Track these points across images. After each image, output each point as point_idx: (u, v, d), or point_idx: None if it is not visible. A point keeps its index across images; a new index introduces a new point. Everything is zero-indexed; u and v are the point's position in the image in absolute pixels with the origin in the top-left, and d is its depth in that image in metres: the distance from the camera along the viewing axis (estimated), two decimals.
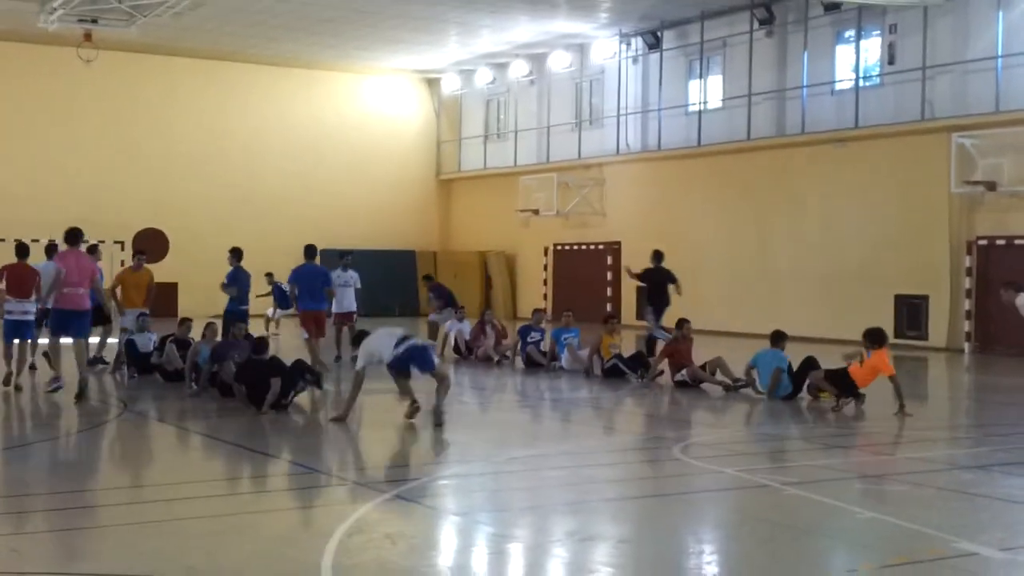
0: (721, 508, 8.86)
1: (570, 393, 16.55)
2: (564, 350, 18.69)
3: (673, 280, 19.75)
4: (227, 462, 10.88)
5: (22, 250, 15.66)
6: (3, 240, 28.35)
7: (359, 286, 20.26)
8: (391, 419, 14.06)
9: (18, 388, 15.03)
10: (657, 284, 19.78)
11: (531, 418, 14.75)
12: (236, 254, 18.43)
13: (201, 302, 28.94)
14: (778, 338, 15.70)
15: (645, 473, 10.39)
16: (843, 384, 14.01)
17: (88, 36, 28.44)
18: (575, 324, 19.55)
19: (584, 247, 33.55)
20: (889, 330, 24.87)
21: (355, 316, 19.94)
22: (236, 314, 17.57)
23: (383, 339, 12.68)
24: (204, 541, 7.41)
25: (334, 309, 19.30)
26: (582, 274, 33.20)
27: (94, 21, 27.83)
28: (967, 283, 24.15)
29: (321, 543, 7.19)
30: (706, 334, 28.14)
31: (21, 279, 15.26)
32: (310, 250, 18.34)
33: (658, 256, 19.97)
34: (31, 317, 15.35)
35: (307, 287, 17.66)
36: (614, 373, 17.46)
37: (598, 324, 18.83)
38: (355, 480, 9.33)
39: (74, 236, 14.58)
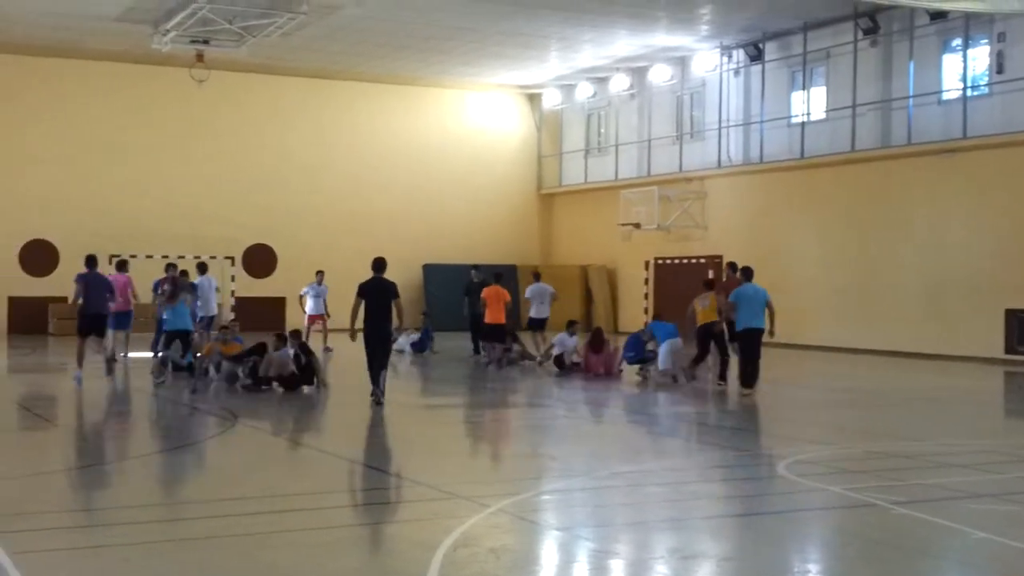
0: (827, 527, 8.77)
1: (674, 407, 16.51)
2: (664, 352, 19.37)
3: None
4: (334, 474, 11.08)
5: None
6: (118, 256, 29.26)
7: (324, 297, 25.89)
8: (496, 434, 14.22)
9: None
10: None
11: (633, 432, 14.75)
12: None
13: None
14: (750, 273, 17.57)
15: (749, 490, 10.32)
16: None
17: (200, 57, 29.33)
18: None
19: (685, 261, 33.39)
20: (999, 345, 24.60)
21: (325, 319, 25.63)
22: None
23: None
24: (312, 552, 7.58)
25: (308, 312, 25.89)
26: (683, 288, 32.94)
27: (206, 42, 28.65)
28: None
29: (427, 556, 7.31)
30: (806, 348, 27.86)
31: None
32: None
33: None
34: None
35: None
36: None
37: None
38: (460, 494, 9.44)
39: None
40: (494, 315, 22.15)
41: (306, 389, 17.36)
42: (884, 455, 12.29)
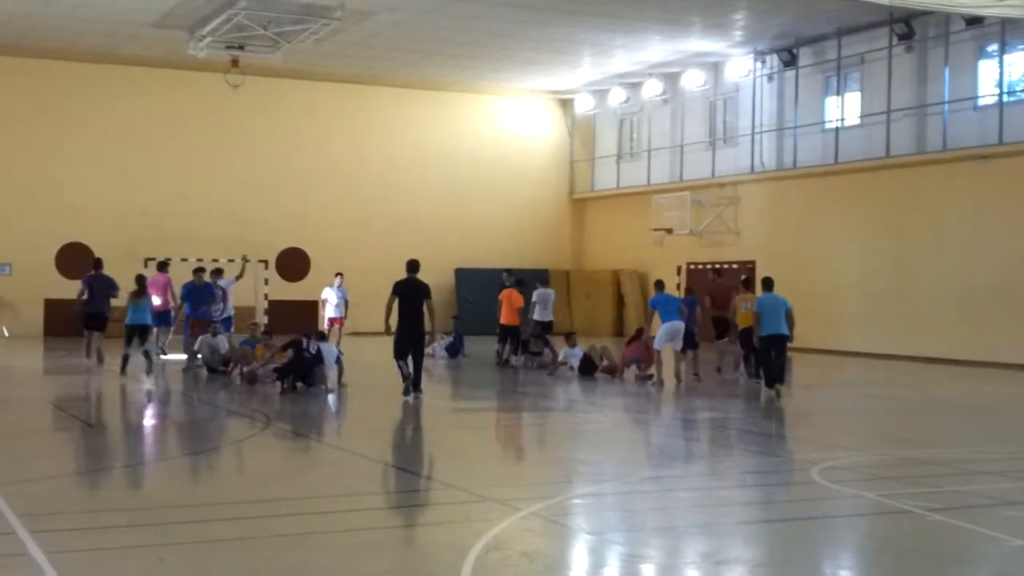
0: (861, 534, 8.72)
1: (705, 412, 16.46)
2: None
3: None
4: (367, 477, 11.12)
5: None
6: (152, 259, 29.49)
7: (347, 298, 26.25)
8: (525, 438, 14.21)
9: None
10: None
11: (664, 436, 14.70)
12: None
13: None
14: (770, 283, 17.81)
15: (781, 496, 10.27)
16: None
17: (235, 62, 29.53)
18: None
19: (718, 266, 33.17)
20: None
21: (342, 320, 26.11)
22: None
23: None
24: (344, 554, 7.61)
25: (329, 315, 26.26)
26: (715, 293, 32.81)
27: (241, 48, 28.84)
28: None
29: (459, 559, 7.33)
30: (840, 354, 27.69)
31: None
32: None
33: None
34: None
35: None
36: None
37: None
38: (491, 497, 9.45)
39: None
40: (505, 317, 23.49)
41: (300, 386, 17.51)
42: (919, 462, 12.20)
